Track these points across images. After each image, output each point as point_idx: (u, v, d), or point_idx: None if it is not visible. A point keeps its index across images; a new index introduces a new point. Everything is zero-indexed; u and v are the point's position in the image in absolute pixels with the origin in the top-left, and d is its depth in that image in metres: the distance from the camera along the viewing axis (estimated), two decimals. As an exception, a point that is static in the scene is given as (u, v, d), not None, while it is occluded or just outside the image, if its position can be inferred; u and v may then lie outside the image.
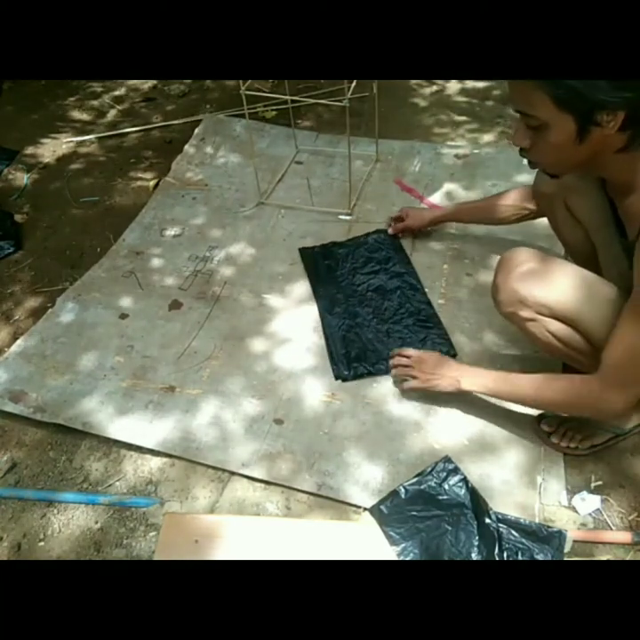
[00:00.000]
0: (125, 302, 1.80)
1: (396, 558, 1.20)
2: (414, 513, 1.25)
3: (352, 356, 1.57)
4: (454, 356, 1.55)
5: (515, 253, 1.23)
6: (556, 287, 1.17)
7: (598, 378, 1.12)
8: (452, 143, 2.34)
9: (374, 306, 1.71)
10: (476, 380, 1.32)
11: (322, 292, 1.77)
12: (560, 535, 1.19)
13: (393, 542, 1.22)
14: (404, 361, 1.44)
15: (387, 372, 1.52)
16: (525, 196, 1.55)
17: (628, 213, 1.08)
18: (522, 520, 1.23)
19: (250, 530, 1.26)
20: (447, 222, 1.88)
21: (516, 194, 1.58)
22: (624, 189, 1.07)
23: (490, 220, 1.68)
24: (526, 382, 1.24)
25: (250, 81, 1.94)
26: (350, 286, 1.77)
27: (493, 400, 1.43)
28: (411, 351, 1.44)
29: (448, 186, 2.11)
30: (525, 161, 1.10)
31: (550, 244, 1.70)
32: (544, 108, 0.94)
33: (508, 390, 1.28)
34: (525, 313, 1.20)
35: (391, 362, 1.47)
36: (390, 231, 1.89)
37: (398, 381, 1.48)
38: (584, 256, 1.29)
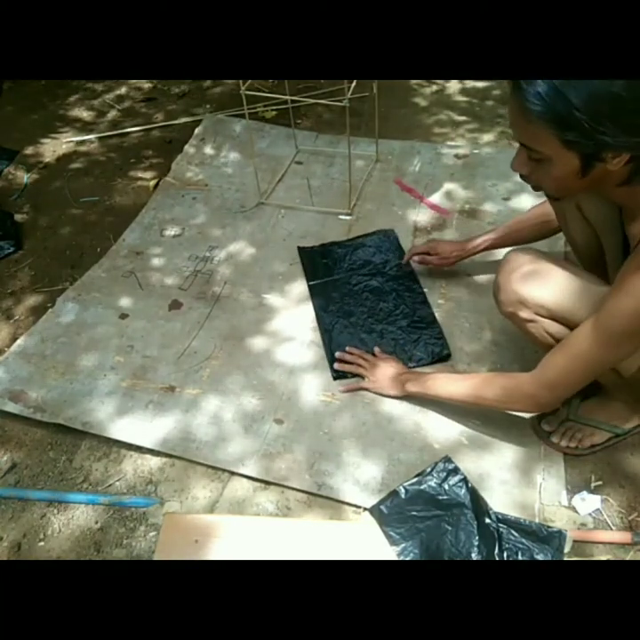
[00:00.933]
0: (125, 302, 1.80)
1: (396, 558, 1.20)
2: (414, 513, 1.25)
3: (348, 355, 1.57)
4: (448, 355, 1.56)
5: (517, 254, 1.23)
6: (556, 289, 1.17)
7: (535, 376, 1.16)
8: (452, 143, 2.34)
9: (369, 306, 1.71)
10: (418, 382, 1.40)
11: (318, 290, 1.77)
12: (560, 535, 1.19)
13: (393, 542, 1.22)
14: (360, 361, 1.52)
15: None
16: (549, 210, 1.47)
17: (630, 235, 1.07)
18: (522, 520, 1.23)
19: (250, 530, 1.26)
20: (479, 253, 1.69)
21: (540, 209, 1.50)
22: (627, 212, 1.07)
23: (522, 241, 1.54)
24: (466, 382, 1.31)
25: (250, 81, 1.94)
26: (346, 286, 1.77)
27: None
28: (368, 355, 1.54)
29: (448, 186, 2.11)
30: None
31: (551, 245, 1.70)
32: (549, 146, 0.92)
33: (446, 391, 1.34)
34: (525, 314, 1.21)
35: (345, 356, 1.55)
36: (417, 260, 1.74)
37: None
38: (592, 257, 1.28)
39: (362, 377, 1.51)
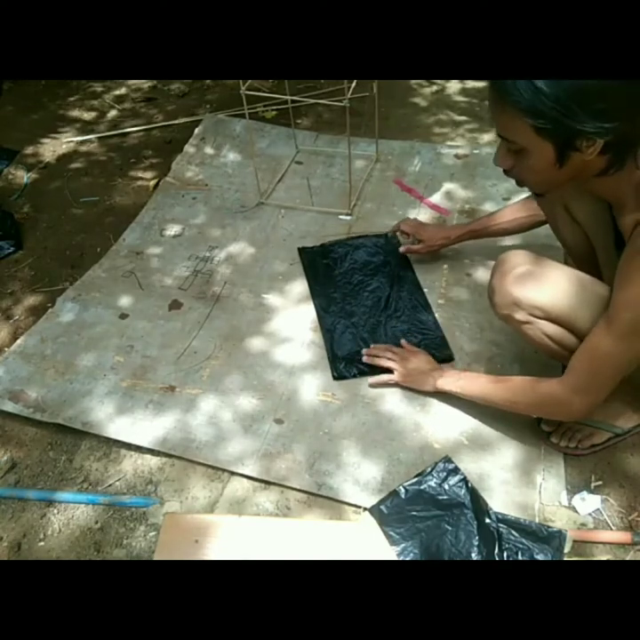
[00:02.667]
0: (125, 302, 1.80)
1: (396, 558, 1.20)
2: (414, 513, 1.25)
3: (347, 355, 1.57)
4: (451, 359, 1.55)
5: (510, 256, 1.23)
6: (550, 290, 1.17)
7: (563, 382, 1.16)
8: (452, 143, 2.35)
9: (371, 306, 1.71)
10: (451, 380, 1.39)
11: (319, 290, 1.77)
12: (560, 535, 1.19)
13: (393, 542, 1.22)
14: (388, 354, 1.51)
15: (383, 371, 1.52)
16: (534, 204, 1.51)
17: (623, 228, 1.08)
18: (522, 520, 1.23)
19: (250, 530, 1.26)
20: (462, 241, 1.74)
21: (526, 203, 1.55)
22: (616, 206, 1.08)
23: (504, 232, 1.64)
24: (501, 385, 1.30)
25: (250, 81, 1.94)
26: (347, 286, 1.77)
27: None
28: (398, 349, 1.52)
29: (448, 186, 2.11)
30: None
31: (549, 244, 1.69)
32: (524, 135, 0.96)
33: (481, 393, 1.33)
34: (520, 315, 1.21)
35: (372, 351, 1.54)
36: (402, 250, 1.78)
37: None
38: (584, 257, 1.29)
39: (390, 371, 1.48)
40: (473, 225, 1.68)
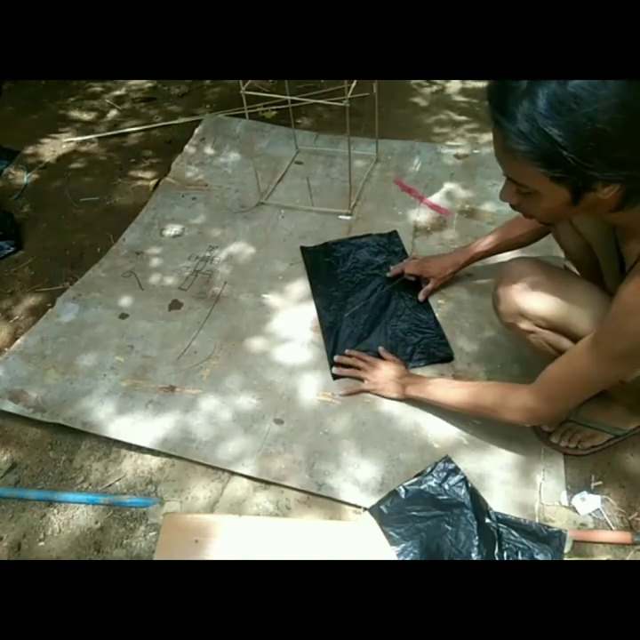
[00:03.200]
0: (125, 302, 1.80)
1: (396, 558, 1.20)
2: (414, 513, 1.25)
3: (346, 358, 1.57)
4: (451, 359, 1.56)
5: (516, 265, 1.22)
6: (556, 301, 1.16)
7: (534, 390, 1.15)
8: (452, 143, 2.35)
9: (372, 306, 1.71)
10: (419, 387, 1.40)
11: (321, 289, 1.77)
12: (560, 535, 1.19)
13: (393, 542, 1.22)
14: (359, 363, 1.52)
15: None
16: None
17: (625, 253, 1.06)
18: (522, 520, 1.23)
19: (250, 530, 1.26)
20: (472, 264, 1.68)
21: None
22: (621, 232, 1.05)
23: (515, 246, 1.57)
24: (466, 389, 1.30)
25: (250, 81, 1.94)
26: (349, 285, 1.77)
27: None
28: (369, 357, 1.53)
29: (448, 186, 2.11)
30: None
31: (550, 248, 1.69)
32: (537, 182, 0.90)
33: (445, 397, 1.34)
34: (525, 325, 1.21)
35: (342, 359, 1.55)
36: (421, 298, 1.70)
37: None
38: (585, 264, 1.28)
39: (361, 380, 1.51)
40: (479, 246, 1.61)
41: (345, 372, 1.53)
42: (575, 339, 1.17)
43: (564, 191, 0.90)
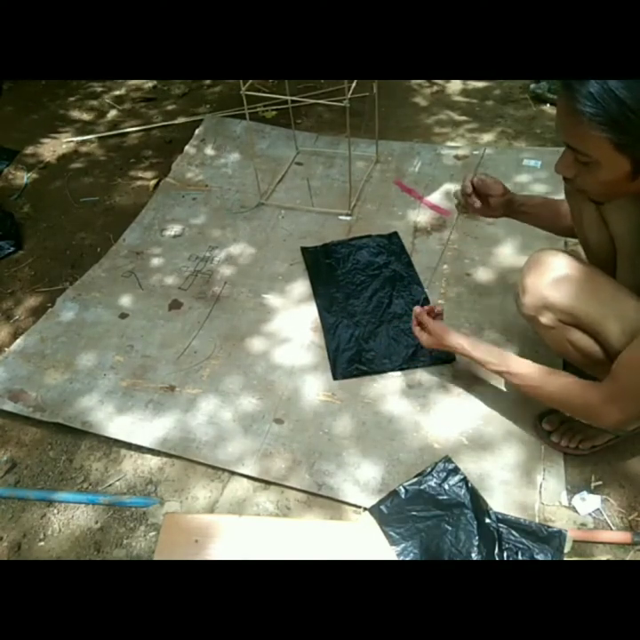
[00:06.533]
0: (125, 302, 1.80)
1: (396, 558, 1.20)
2: (414, 513, 1.25)
3: (348, 355, 1.58)
4: (452, 360, 1.55)
5: (547, 256, 1.17)
6: (586, 297, 1.12)
7: (603, 389, 1.11)
8: (452, 144, 2.35)
9: (373, 307, 1.71)
10: (464, 342, 1.30)
11: (321, 290, 1.77)
12: (560, 535, 1.19)
13: (393, 542, 1.22)
14: (416, 328, 1.41)
15: (383, 371, 1.52)
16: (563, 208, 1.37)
17: None
18: (522, 520, 1.23)
19: (250, 530, 1.26)
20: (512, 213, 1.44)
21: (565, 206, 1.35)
22: None
23: (538, 224, 1.45)
24: (528, 370, 1.22)
25: (250, 81, 1.94)
26: (350, 286, 1.77)
27: (493, 400, 1.44)
28: (424, 319, 1.39)
29: (448, 186, 2.11)
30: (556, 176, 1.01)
31: (549, 245, 1.70)
32: (600, 149, 0.87)
33: (505, 369, 1.25)
34: (547, 319, 1.17)
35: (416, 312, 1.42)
36: (466, 208, 1.40)
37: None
38: (601, 258, 1.25)
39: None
40: (525, 203, 1.40)
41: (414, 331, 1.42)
42: (598, 337, 1.14)
43: (626, 162, 0.88)
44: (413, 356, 1.57)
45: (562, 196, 1.30)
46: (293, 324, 1.70)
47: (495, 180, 1.37)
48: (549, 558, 1.17)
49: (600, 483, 1.31)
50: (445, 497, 1.27)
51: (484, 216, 1.44)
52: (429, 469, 1.32)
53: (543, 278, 1.15)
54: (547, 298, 1.15)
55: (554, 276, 1.14)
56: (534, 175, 2.08)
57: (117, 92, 2.91)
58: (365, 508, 1.29)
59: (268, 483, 1.36)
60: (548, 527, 1.21)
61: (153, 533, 1.29)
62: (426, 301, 1.70)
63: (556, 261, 1.15)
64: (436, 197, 2.07)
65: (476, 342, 1.32)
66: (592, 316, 1.12)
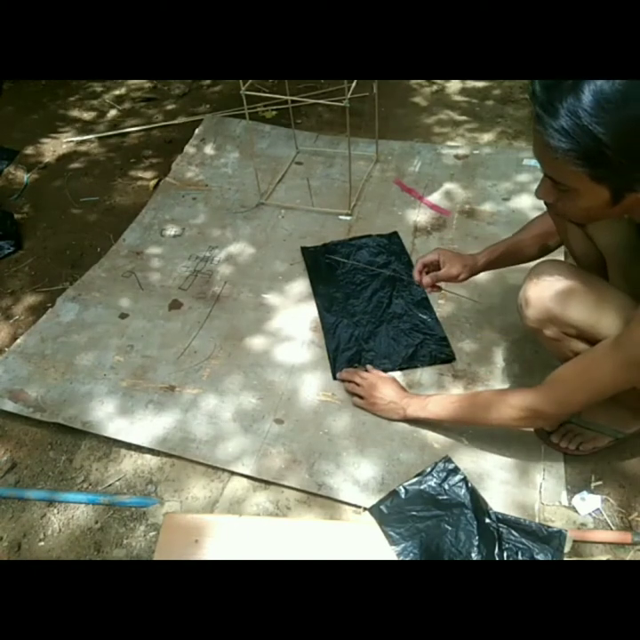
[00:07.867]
0: (125, 302, 1.80)
1: (396, 558, 1.20)
2: (414, 513, 1.25)
3: (348, 355, 1.58)
4: (452, 361, 1.55)
5: (549, 268, 1.15)
6: (590, 310, 1.11)
7: (541, 392, 1.13)
8: (452, 143, 2.35)
9: (373, 307, 1.71)
10: (419, 407, 1.36)
11: (321, 290, 1.77)
12: (560, 535, 1.19)
13: (393, 542, 1.22)
14: (356, 379, 1.47)
15: (383, 371, 1.52)
16: (548, 230, 1.36)
17: None
18: (522, 520, 1.23)
19: (250, 530, 1.26)
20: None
21: (538, 229, 1.38)
22: None
23: (520, 261, 1.43)
24: (463, 400, 1.29)
25: (250, 81, 1.94)
26: (350, 286, 1.77)
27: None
28: (367, 374, 1.47)
29: (448, 186, 2.11)
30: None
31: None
32: (578, 181, 0.87)
33: (447, 413, 1.31)
34: (551, 332, 1.16)
35: (347, 376, 1.50)
36: (424, 284, 1.44)
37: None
38: (592, 266, 1.23)
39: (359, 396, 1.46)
40: (488, 256, 1.43)
41: (346, 386, 1.50)
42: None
43: (605, 191, 0.87)
44: (413, 356, 1.57)
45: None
46: (293, 324, 1.70)
47: (449, 267, 1.40)
48: (549, 558, 1.17)
49: (600, 483, 1.31)
50: (445, 497, 1.27)
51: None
52: (429, 469, 1.32)
53: (547, 291, 1.13)
54: (551, 311, 1.13)
55: (557, 289, 1.13)
56: (534, 175, 2.08)
57: (117, 92, 2.91)
58: (365, 508, 1.29)
59: (267, 482, 1.36)
60: (548, 527, 1.21)
61: (153, 533, 1.29)
62: (425, 301, 1.70)
63: (557, 272, 1.14)
64: (436, 197, 2.07)
65: (416, 406, 1.37)
66: (598, 329, 1.11)
